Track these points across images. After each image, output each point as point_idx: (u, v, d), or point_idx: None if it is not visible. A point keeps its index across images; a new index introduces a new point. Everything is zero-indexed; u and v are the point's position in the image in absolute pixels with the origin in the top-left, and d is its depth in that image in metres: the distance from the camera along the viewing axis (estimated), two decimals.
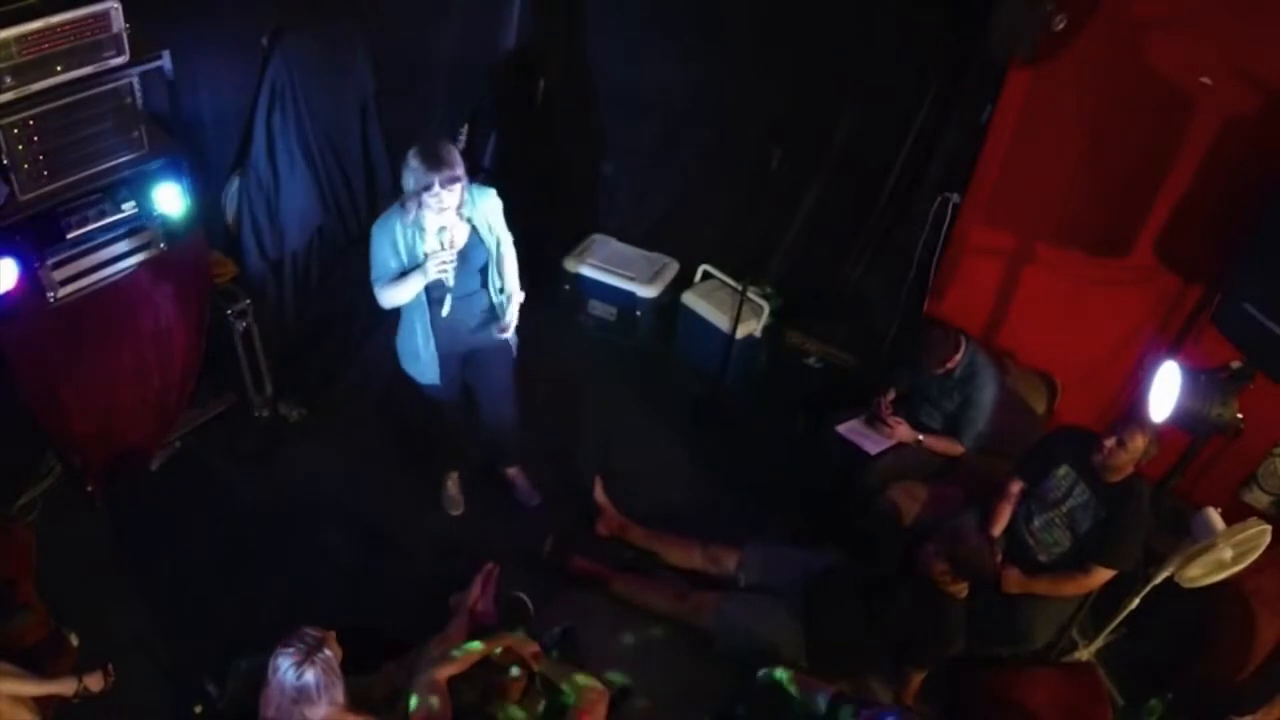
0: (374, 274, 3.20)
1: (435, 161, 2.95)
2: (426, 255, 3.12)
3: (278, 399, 4.18)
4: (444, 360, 3.40)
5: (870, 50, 4.02)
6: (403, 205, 3.08)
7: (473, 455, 3.99)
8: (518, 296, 3.39)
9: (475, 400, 3.71)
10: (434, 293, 3.25)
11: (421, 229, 3.12)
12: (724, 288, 4.66)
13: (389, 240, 3.13)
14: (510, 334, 3.43)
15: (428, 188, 2.96)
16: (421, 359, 3.38)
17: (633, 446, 4.33)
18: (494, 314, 3.40)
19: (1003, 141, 3.80)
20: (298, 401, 4.23)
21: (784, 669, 3.00)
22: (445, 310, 3.27)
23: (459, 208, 3.10)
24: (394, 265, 3.16)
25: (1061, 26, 3.23)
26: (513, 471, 4.04)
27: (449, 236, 3.15)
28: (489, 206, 3.26)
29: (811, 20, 4.06)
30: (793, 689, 2.90)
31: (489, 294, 3.37)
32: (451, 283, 3.18)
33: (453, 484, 3.97)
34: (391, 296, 3.20)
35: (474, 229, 3.23)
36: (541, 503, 4.03)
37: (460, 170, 3.00)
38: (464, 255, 3.20)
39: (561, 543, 3.72)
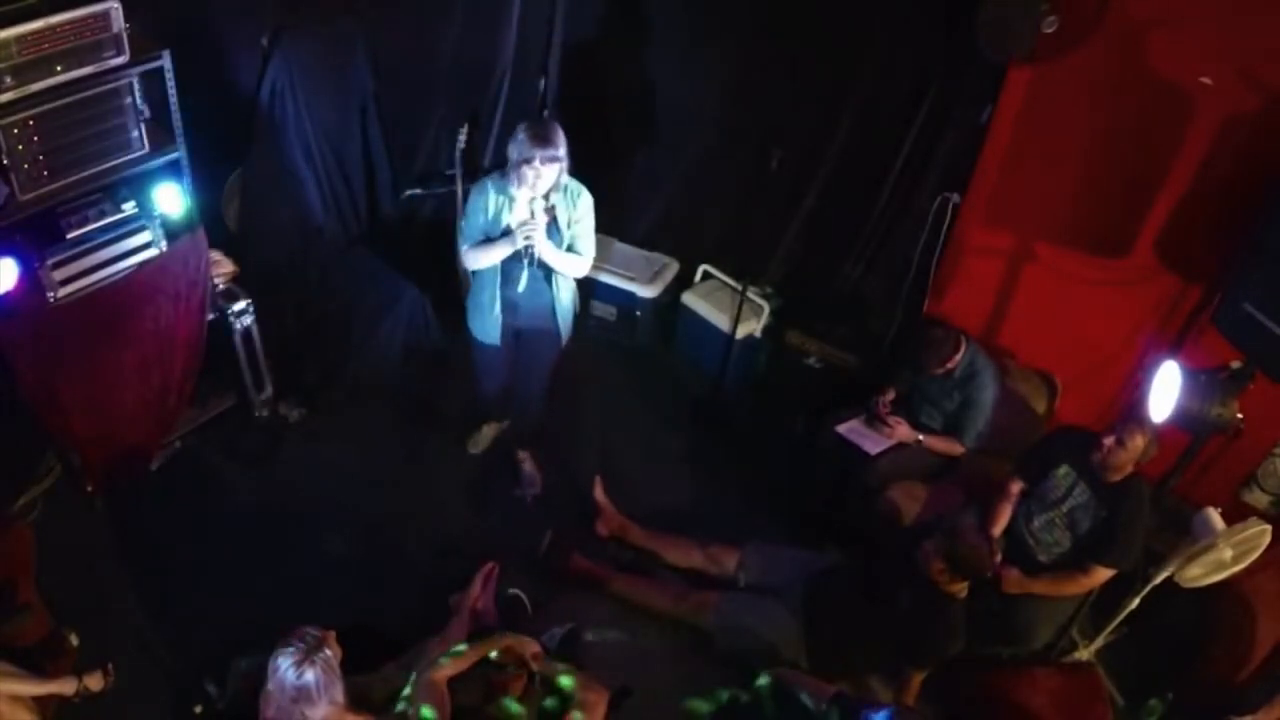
0: (464, 234, 3.42)
1: (541, 140, 3.13)
2: (509, 226, 3.28)
3: (278, 399, 4.18)
4: (504, 328, 3.59)
5: (870, 50, 4.02)
6: (503, 173, 3.26)
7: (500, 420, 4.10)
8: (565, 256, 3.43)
9: (513, 371, 3.80)
10: (510, 271, 3.41)
11: (512, 200, 3.28)
12: (724, 288, 4.66)
13: (483, 202, 3.32)
14: (568, 311, 3.60)
15: (528, 161, 3.13)
16: (486, 320, 3.57)
17: (633, 446, 4.33)
18: (555, 308, 3.54)
19: (1003, 141, 3.80)
20: (298, 401, 4.22)
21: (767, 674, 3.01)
22: (521, 285, 3.43)
23: (551, 190, 3.25)
24: (481, 227, 3.34)
25: (1053, 29, 3.24)
26: (523, 454, 4.06)
27: (541, 207, 3.26)
28: (582, 205, 3.37)
29: (812, 20, 4.06)
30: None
31: (551, 286, 3.49)
32: (538, 251, 3.29)
33: (489, 428, 4.12)
34: (476, 258, 3.39)
35: (554, 219, 3.33)
36: (541, 493, 4.04)
37: (562, 153, 3.17)
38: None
39: (559, 541, 3.72)
